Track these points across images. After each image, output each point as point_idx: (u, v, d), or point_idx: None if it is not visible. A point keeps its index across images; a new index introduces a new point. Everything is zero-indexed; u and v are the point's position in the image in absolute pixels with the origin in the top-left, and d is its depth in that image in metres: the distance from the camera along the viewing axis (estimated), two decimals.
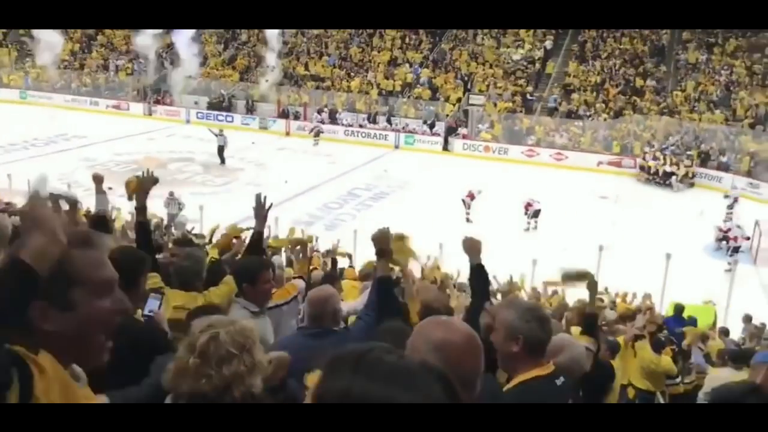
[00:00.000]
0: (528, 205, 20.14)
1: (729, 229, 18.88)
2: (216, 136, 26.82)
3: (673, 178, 25.95)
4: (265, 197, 4.69)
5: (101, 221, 5.03)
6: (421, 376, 1.05)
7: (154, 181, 4.40)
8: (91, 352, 1.55)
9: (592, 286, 4.32)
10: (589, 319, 4.42)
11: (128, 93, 37.04)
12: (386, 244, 3.75)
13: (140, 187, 4.36)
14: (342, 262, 12.44)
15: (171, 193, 17.92)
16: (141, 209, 4.44)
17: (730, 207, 21.74)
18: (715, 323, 11.85)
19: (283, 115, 34.00)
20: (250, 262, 4.27)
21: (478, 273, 3.93)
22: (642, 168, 27.24)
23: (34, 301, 1.42)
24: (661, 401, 7.01)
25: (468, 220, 20.50)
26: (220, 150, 26.61)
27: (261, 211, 4.73)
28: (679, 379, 7.82)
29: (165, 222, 15.67)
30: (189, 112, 34.96)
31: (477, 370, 1.74)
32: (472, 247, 3.94)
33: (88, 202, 12.84)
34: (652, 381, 7.80)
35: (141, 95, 36.62)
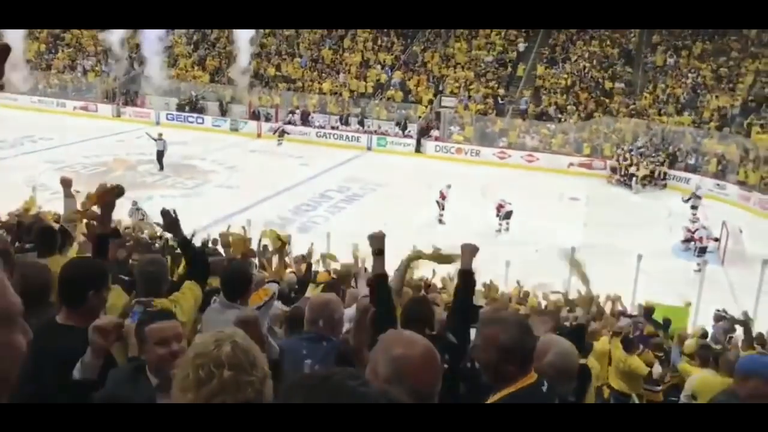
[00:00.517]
0: (500, 207, 20.24)
1: (695, 230, 19.18)
2: (155, 140, 25.67)
3: (633, 179, 26.37)
4: (174, 211, 4.35)
5: (63, 231, 4.93)
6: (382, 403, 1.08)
7: (119, 193, 4.09)
8: None
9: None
10: (577, 330, 4.47)
11: (96, 94, 36.50)
12: (383, 244, 3.77)
13: (102, 198, 4.04)
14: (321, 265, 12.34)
15: (134, 203, 17.47)
16: (103, 222, 4.13)
17: (695, 208, 22.05)
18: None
19: (255, 116, 33.79)
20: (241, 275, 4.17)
21: (466, 277, 3.90)
22: (612, 169, 27.62)
23: None
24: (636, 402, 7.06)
25: (441, 221, 20.56)
26: (159, 155, 25.60)
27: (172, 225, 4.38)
28: (659, 387, 7.87)
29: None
30: (159, 113, 34.56)
31: (434, 384, 1.83)
32: (471, 252, 3.90)
33: (55, 206, 12.64)
34: (627, 382, 7.87)
35: (109, 96, 36.13)
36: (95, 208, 4.10)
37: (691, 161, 27.45)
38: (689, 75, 31.96)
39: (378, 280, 3.70)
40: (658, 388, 7.77)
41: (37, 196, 15.67)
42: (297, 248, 13.32)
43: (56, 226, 5.49)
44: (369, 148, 31.38)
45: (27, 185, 18.49)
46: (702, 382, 5.90)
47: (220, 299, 3.98)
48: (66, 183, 5.26)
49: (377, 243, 3.77)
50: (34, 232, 4.86)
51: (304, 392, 1.07)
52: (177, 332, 2.75)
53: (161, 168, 25.39)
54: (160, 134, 26.04)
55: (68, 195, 5.26)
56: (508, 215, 20.15)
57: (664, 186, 26.59)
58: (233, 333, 1.95)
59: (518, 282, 13.96)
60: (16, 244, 7.28)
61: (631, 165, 26.85)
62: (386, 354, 1.83)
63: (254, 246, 9.69)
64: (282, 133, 31.45)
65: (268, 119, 33.51)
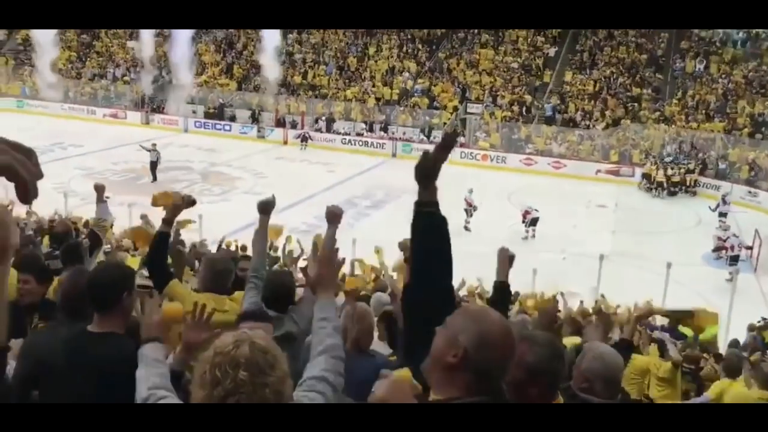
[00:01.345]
0: (526, 213, 20.10)
1: (726, 239, 18.86)
2: (149, 151, 25.00)
3: (661, 186, 26.07)
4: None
5: (93, 235, 5.00)
6: None
7: (191, 202, 4.43)
8: None
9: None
10: (624, 344, 4.40)
11: (126, 102, 37.02)
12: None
13: (175, 206, 4.38)
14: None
15: (144, 216, 16.98)
16: (168, 221, 4.43)
17: (723, 215, 21.63)
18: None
19: (281, 124, 34.00)
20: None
21: (501, 290, 3.87)
22: (645, 176, 27.21)
23: None
24: None
25: (467, 228, 20.45)
26: (153, 166, 24.87)
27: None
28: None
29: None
30: (187, 121, 34.94)
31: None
32: (510, 261, 3.84)
33: (84, 211, 12.77)
34: (667, 389, 7.70)
35: (138, 104, 36.61)
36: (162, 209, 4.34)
37: (722, 167, 27.02)
38: (720, 80, 31.50)
39: None
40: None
41: (67, 201, 15.91)
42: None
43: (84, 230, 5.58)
44: (394, 155, 31.37)
45: (57, 191, 18.75)
46: (736, 395, 5.76)
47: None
48: (100, 189, 5.37)
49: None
50: (62, 248, 4.98)
51: None
52: None
53: (154, 179, 24.52)
54: (154, 144, 25.38)
55: (101, 200, 5.36)
56: (534, 222, 19.99)
57: (694, 194, 26.20)
58: (254, 334, 1.94)
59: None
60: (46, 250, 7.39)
61: (659, 171, 26.51)
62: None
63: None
64: (305, 139, 31.64)
65: (294, 126, 33.70)
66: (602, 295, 12.40)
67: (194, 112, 35.59)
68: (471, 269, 10.46)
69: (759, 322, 10.74)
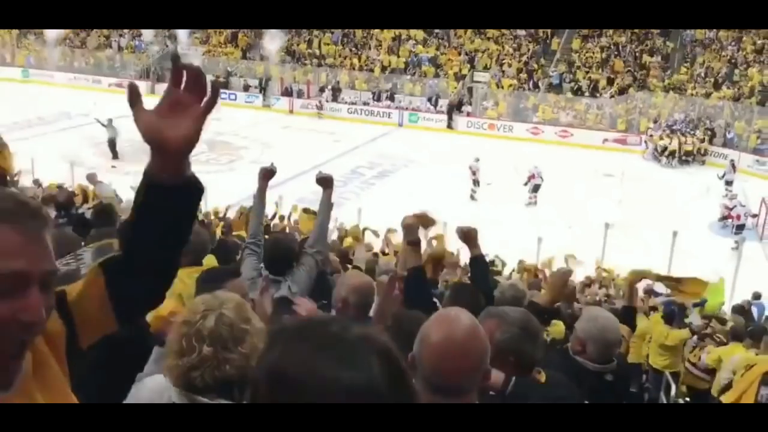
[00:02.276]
0: (531, 177, 20.10)
1: (733, 207, 18.79)
2: (105, 126, 23.30)
3: (669, 154, 25.94)
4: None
5: (105, 211, 4.99)
6: (362, 350, 0.98)
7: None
8: None
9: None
10: (626, 311, 4.42)
11: (131, 71, 36.86)
12: (417, 233, 3.62)
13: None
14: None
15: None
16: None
17: (729, 183, 21.51)
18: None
19: (287, 93, 33.85)
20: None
21: (476, 264, 3.81)
22: (655, 145, 27.04)
23: None
24: (670, 381, 6.98)
25: (473, 197, 20.46)
26: (111, 143, 23.21)
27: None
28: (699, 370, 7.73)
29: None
30: None
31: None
32: (467, 236, 3.77)
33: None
34: (669, 357, 7.79)
35: (144, 74, 36.45)
36: None
37: (730, 136, 26.82)
38: (729, 48, 31.12)
39: (415, 273, 3.50)
40: (699, 372, 7.62)
41: (74, 171, 15.95)
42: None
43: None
44: (400, 125, 31.23)
45: (64, 161, 18.80)
46: (747, 360, 5.78)
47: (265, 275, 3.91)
48: (90, 178, 5.37)
49: (410, 233, 3.61)
50: (94, 210, 4.93)
51: (284, 338, 1.01)
52: None
53: (115, 156, 23.18)
54: (110, 119, 23.27)
55: (95, 182, 5.37)
56: (536, 188, 19.99)
57: (703, 162, 26.03)
58: (225, 301, 1.89)
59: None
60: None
61: (672, 140, 26.31)
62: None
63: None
64: (321, 107, 31.58)
65: (300, 96, 33.55)
66: (573, 256, 12.22)
67: None
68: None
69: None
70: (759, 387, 3.16)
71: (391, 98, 32.48)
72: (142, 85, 35.40)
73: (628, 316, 4.36)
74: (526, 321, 2.47)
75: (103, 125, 23.58)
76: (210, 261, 4.25)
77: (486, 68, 32.62)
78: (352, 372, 0.94)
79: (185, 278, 3.55)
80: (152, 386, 1.94)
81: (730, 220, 18.57)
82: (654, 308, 8.39)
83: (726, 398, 3.29)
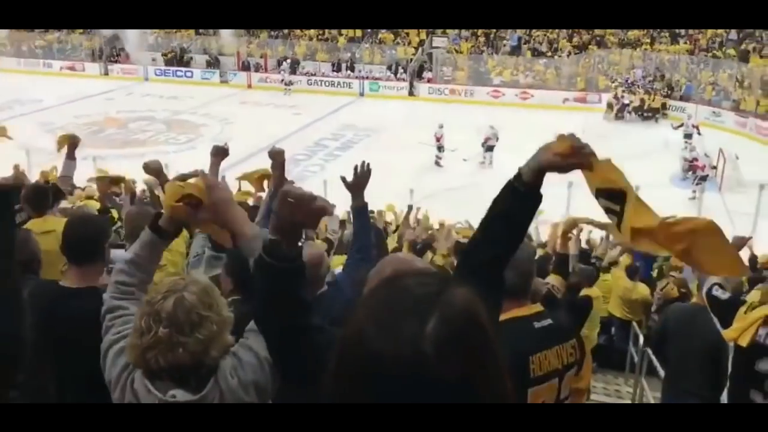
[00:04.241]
0: (487, 139, 20.32)
1: (695, 159, 19.10)
2: None
3: (627, 110, 26.31)
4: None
5: (56, 190, 4.87)
6: (419, 311, 0.90)
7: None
8: None
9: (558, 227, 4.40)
10: (560, 259, 4.45)
11: (82, 54, 35.91)
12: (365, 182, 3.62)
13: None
14: None
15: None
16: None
17: (688, 137, 21.81)
18: None
19: (244, 67, 33.35)
20: None
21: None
22: (609, 106, 27.33)
23: None
24: (638, 332, 7.16)
25: (438, 164, 20.51)
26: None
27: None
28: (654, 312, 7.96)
29: None
30: (147, 69, 34.08)
31: None
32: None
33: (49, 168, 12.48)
34: (630, 310, 7.98)
35: (96, 55, 35.55)
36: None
37: (687, 91, 27.22)
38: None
39: (360, 210, 3.60)
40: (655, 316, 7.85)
41: (30, 159, 15.58)
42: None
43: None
44: (362, 94, 31.04)
45: (20, 148, 18.30)
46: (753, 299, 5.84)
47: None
48: (73, 145, 5.21)
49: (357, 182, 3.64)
50: (25, 191, 4.68)
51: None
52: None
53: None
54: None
55: (71, 157, 5.22)
56: (490, 149, 20.19)
57: (666, 116, 26.35)
58: (191, 284, 1.86)
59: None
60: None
61: (634, 96, 26.62)
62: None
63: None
64: (289, 83, 31.10)
65: (257, 69, 33.08)
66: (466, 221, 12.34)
67: (154, 59, 34.71)
68: (447, 206, 10.61)
69: None
70: (758, 328, 3.28)
71: (351, 68, 32.21)
72: (93, 67, 34.71)
73: (560, 264, 4.38)
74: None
75: None
76: None
77: (443, 33, 32.48)
78: (394, 341, 0.86)
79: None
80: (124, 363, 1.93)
81: (696, 171, 18.76)
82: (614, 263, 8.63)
83: (727, 335, 3.40)
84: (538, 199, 1.72)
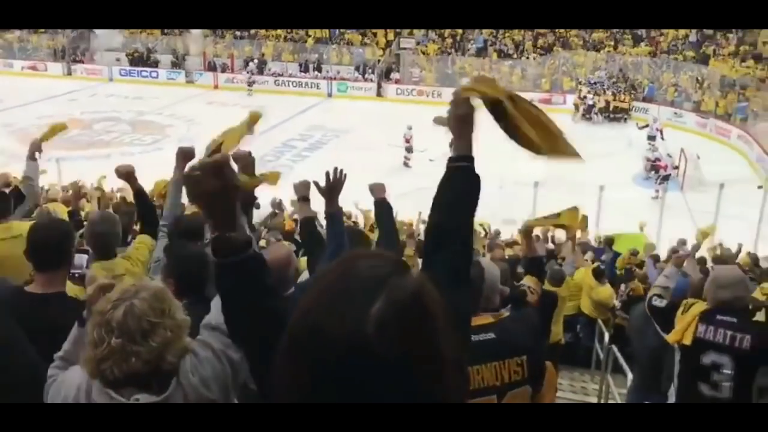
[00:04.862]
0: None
1: (658, 159, 19.44)
2: None
3: (593, 111, 26.66)
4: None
5: (18, 194, 4.79)
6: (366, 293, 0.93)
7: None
8: None
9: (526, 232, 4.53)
10: (533, 261, 4.53)
11: (44, 53, 35.22)
12: (308, 191, 3.64)
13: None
14: None
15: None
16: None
17: (652, 138, 22.14)
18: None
19: (211, 68, 33.05)
20: None
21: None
22: (576, 107, 27.67)
23: None
24: (604, 329, 7.27)
25: (407, 164, 20.58)
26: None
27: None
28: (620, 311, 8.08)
29: None
30: (111, 69, 33.58)
31: None
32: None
33: (12, 169, 12.31)
34: (595, 309, 8.11)
35: (58, 54, 34.91)
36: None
37: (649, 92, 27.70)
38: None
39: (307, 222, 3.66)
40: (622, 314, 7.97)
41: None
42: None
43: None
44: (329, 95, 30.98)
45: None
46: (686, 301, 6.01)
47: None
48: (33, 146, 5.12)
49: (302, 190, 3.65)
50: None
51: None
52: None
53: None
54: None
55: (32, 158, 5.14)
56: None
57: (627, 118, 26.76)
58: (142, 290, 1.83)
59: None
60: None
61: (600, 98, 26.97)
62: None
63: None
64: (251, 83, 30.87)
65: (224, 70, 32.82)
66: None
67: (118, 60, 34.22)
68: (418, 206, 10.66)
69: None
70: (697, 326, 3.52)
71: (319, 69, 32.13)
72: (56, 67, 34.07)
73: (533, 266, 4.47)
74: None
75: None
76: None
77: (410, 34, 32.57)
78: (338, 320, 0.89)
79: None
80: (72, 377, 1.91)
81: (659, 171, 19.04)
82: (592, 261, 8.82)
83: (670, 338, 3.67)
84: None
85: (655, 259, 9.68)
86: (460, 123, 1.71)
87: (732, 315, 3.46)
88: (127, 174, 4.24)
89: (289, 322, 0.97)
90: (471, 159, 1.72)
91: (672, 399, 3.84)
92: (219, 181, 1.31)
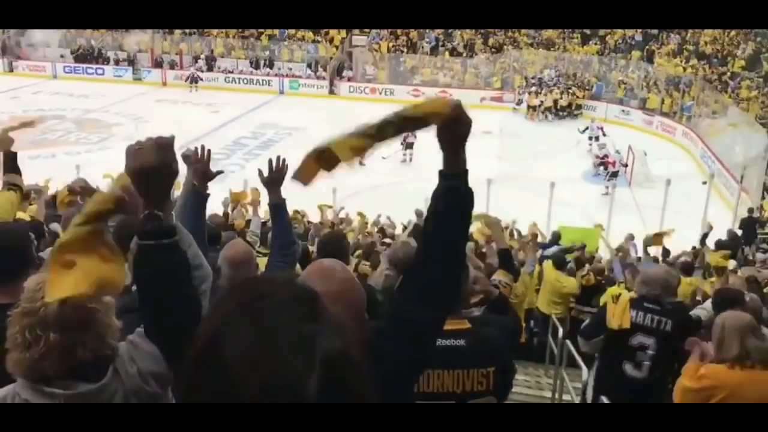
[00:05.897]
0: (406, 136, 20.57)
1: (606, 155, 19.82)
2: None
3: (542, 109, 27.09)
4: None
5: None
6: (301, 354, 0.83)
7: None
8: None
9: (494, 224, 4.53)
10: (503, 254, 4.52)
11: None
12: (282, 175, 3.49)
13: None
14: None
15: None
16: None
17: (595, 139, 22.19)
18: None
19: (158, 64, 32.42)
20: None
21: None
22: (521, 102, 28.07)
23: None
24: (557, 324, 7.34)
25: (360, 163, 20.52)
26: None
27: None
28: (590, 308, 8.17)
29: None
30: (55, 66, 32.64)
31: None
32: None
33: None
34: (557, 303, 8.17)
35: None
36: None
37: (597, 90, 28.25)
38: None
39: (277, 206, 3.51)
40: (588, 308, 8.04)
41: None
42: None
43: None
44: (281, 92, 30.72)
45: None
46: (611, 292, 6.14)
47: None
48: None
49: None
50: None
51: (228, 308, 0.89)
52: None
53: None
54: None
55: None
56: (410, 146, 20.46)
57: (577, 115, 27.19)
58: None
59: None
60: None
61: (547, 97, 27.36)
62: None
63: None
64: (195, 80, 30.33)
65: (172, 67, 32.23)
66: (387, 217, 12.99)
67: (62, 56, 33.28)
68: (371, 205, 10.64)
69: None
70: (630, 311, 4.03)
71: (270, 65, 31.82)
72: None
73: (504, 260, 4.46)
74: None
75: None
76: None
77: (363, 32, 32.52)
78: (266, 376, 0.80)
79: None
80: None
81: (607, 167, 19.39)
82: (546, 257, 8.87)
83: (613, 323, 4.04)
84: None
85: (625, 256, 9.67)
86: (459, 140, 1.68)
87: (656, 303, 4.05)
88: (83, 189, 4.06)
89: (195, 344, 0.87)
90: (467, 174, 1.70)
91: (591, 378, 4.35)
92: (159, 159, 1.36)
